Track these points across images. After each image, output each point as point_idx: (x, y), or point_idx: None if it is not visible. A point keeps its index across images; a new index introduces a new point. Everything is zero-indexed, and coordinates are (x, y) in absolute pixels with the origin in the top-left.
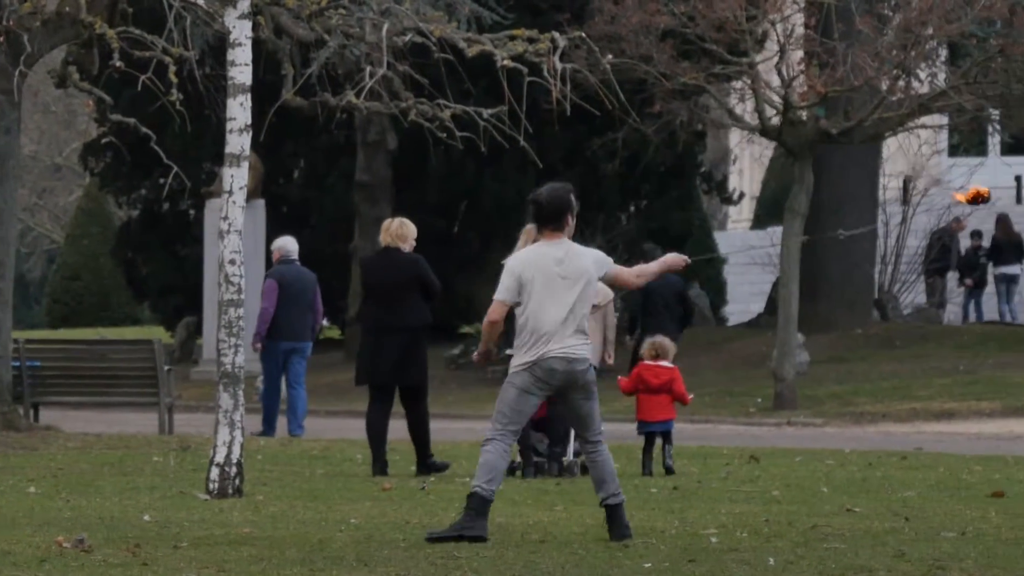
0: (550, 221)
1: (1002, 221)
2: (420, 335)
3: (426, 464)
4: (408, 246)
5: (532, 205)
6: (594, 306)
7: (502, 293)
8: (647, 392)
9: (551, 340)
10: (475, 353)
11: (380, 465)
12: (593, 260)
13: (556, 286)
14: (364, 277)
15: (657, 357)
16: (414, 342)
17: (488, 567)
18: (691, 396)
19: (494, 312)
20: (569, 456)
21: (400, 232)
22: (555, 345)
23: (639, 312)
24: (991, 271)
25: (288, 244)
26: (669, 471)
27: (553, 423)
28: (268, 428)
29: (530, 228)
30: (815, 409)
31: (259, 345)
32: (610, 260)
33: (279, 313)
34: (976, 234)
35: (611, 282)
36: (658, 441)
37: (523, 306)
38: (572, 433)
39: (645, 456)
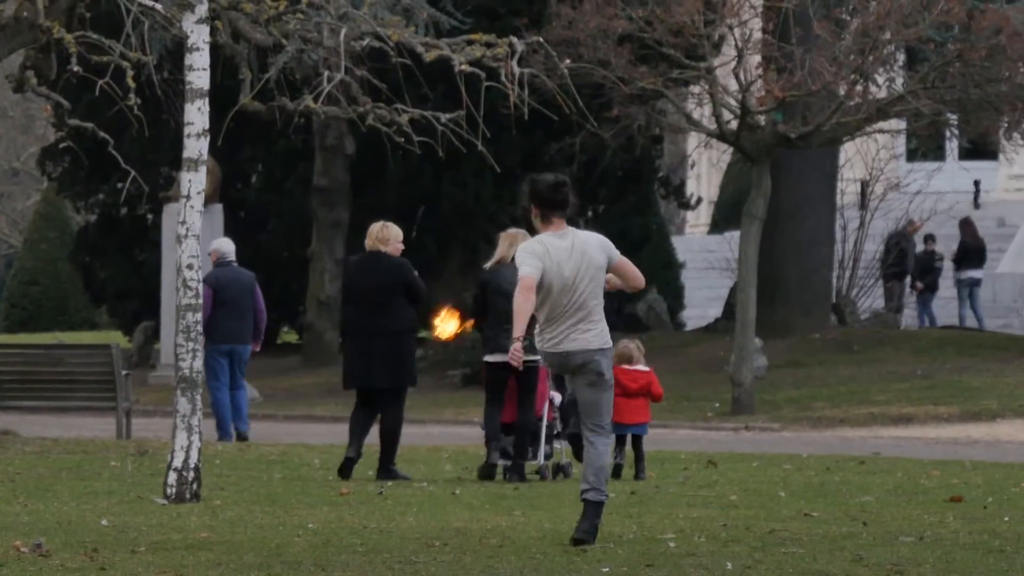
0: (560, 206)
1: (968, 225)
2: (406, 339)
3: (388, 470)
4: (392, 249)
5: (546, 188)
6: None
7: (530, 268)
8: (624, 396)
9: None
10: (512, 349)
11: (351, 451)
12: (598, 245)
13: (566, 278)
14: (348, 280)
15: (629, 361)
16: (400, 346)
17: (446, 572)
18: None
19: (528, 282)
20: (540, 460)
21: (383, 235)
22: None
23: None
24: (953, 275)
25: (224, 246)
26: (640, 475)
27: (518, 432)
28: (224, 435)
29: (512, 232)
30: (773, 414)
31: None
32: (611, 245)
33: (217, 316)
34: (930, 238)
35: (614, 271)
36: (629, 445)
37: (542, 297)
38: (542, 438)
39: (617, 449)
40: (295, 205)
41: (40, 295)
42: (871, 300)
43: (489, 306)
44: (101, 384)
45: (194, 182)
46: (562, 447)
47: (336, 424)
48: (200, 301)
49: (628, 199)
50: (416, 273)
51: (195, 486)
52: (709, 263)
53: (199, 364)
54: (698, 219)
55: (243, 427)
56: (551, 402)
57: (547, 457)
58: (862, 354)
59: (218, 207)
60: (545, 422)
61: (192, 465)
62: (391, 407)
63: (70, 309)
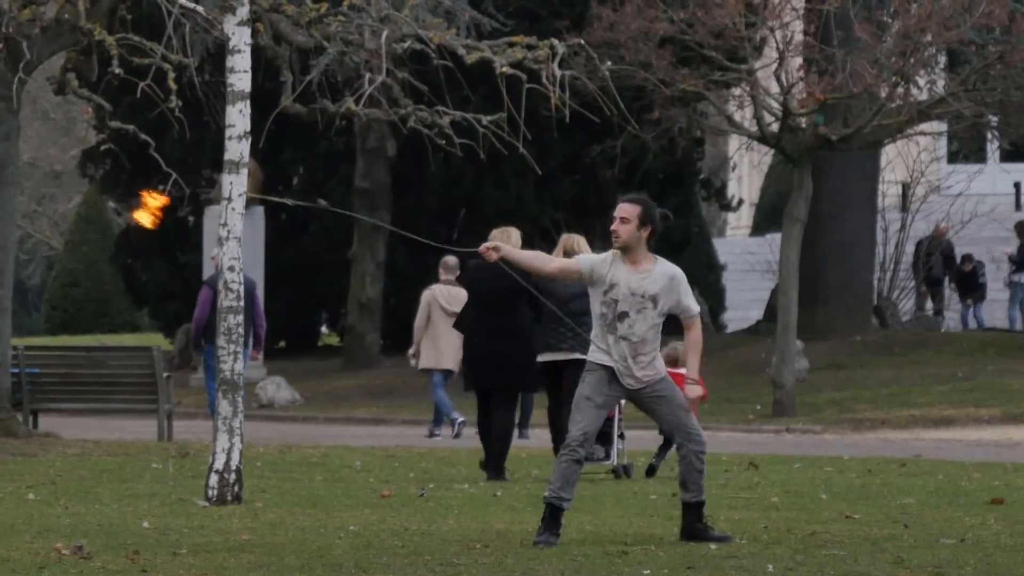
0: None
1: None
2: (528, 341)
3: (500, 469)
4: None
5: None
6: (455, 313)
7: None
8: None
9: None
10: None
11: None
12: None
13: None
14: (471, 284)
15: (675, 363)
16: (525, 349)
17: (487, 574)
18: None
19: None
20: (613, 460)
21: (517, 243)
22: None
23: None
24: (1009, 276)
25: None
26: (651, 471)
27: (557, 429)
28: None
29: (567, 237)
30: (814, 416)
31: (195, 353)
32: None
33: (215, 319)
34: (967, 258)
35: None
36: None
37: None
38: (614, 438)
39: (658, 458)
40: (336, 207)
41: (81, 297)
42: (912, 302)
43: (541, 308)
44: (142, 386)
45: (235, 184)
46: (623, 447)
47: (377, 427)
48: (241, 303)
49: (669, 201)
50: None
51: (236, 488)
52: (750, 265)
53: (240, 366)
54: (739, 221)
55: None
56: (620, 403)
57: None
58: (903, 356)
59: (259, 209)
60: (616, 422)
61: (233, 467)
62: (504, 409)
63: (111, 311)
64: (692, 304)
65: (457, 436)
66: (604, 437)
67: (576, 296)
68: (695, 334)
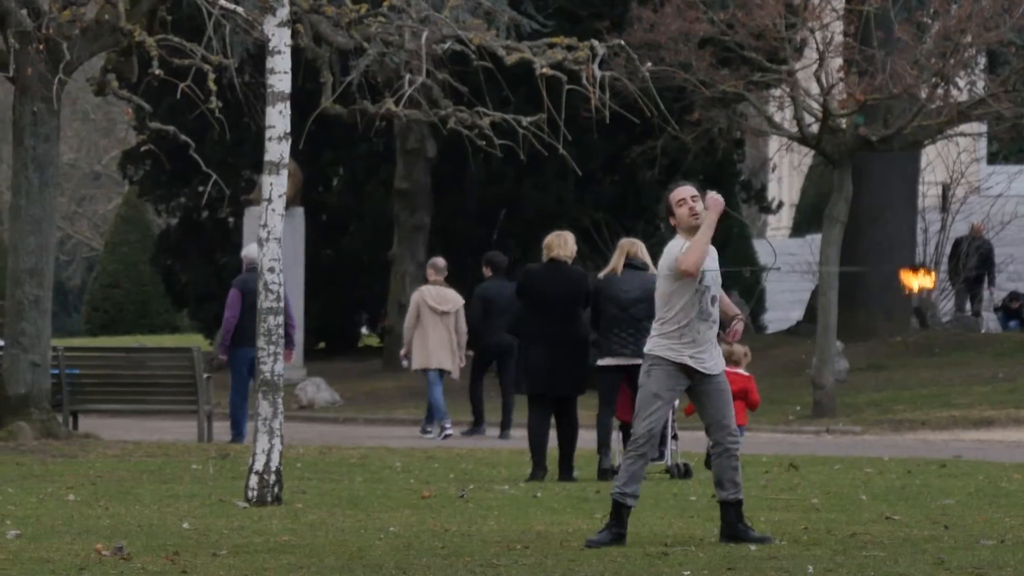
0: None
1: None
2: (585, 347)
3: (569, 468)
4: (572, 258)
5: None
6: (444, 312)
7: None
8: None
9: None
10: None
11: (540, 472)
12: None
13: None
14: (531, 288)
15: (729, 361)
16: (583, 353)
17: (527, 575)
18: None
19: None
20: (667, 460)
21: (574, 248)
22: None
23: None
24: None
25: (252, 252)
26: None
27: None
28: (237, 435)
29: (626, 242)
30: (854, 417)
31: (223, 357)
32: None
33: (244, 321)
34: (1015, 296)
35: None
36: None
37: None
38: (669, 438)
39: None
40: (376, 209)
41: (121, 298)
42: (952, 303)
43: (601, 313)
44: (182, 387)
45: (275, 185)
46: (677, 448)
47: (417, 427)
48: (281, 304)
49: None
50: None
51: (276, 489)
52: (790, 266)
53: (281, 367)
54: (779, 222)
55: None
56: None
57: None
58: (943, 357)
59: (299, 210)
60: (670, 422)
61: (273, 468)
62: (569, 412)
63: (151, 312)
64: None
65: (445, 438)
66: (660, 438)
67: (637, 301)
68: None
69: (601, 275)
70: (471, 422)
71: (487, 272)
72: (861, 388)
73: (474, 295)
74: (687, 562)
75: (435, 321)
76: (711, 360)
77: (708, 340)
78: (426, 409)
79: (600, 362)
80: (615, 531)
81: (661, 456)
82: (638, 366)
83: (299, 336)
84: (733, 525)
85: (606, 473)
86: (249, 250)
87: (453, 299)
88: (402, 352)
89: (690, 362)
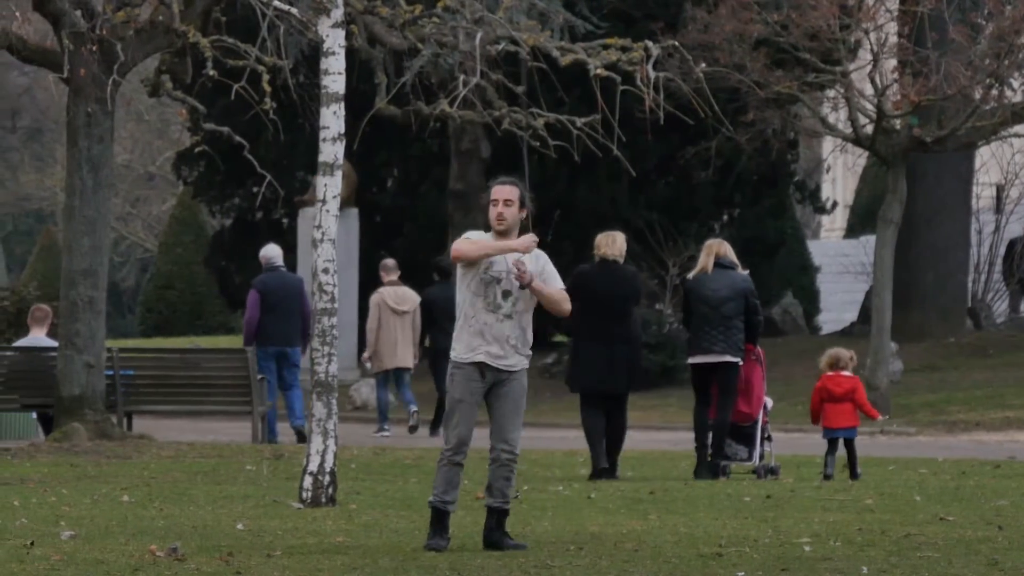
0: None
1: None
2: (638, 345)
3: (612, 466)
4: (623, 258)
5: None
6: (403, 312)
7: None
8: (831, 401)
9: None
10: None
11: (601, 467)
12: None
13: None
14: (584, 288)
15: (834, 367)
16: (636, 352)
17: (581, 575)
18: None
19: None
20: (755, 461)
21: (623, 247)
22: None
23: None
24: None
25: (270, 252)
26: (854, 476)
27: (715, 431)
28: (270, 434)
29: (712, 243)
30: (908, 418)
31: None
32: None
33: (265, 320)
34: None
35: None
36: (842, 448)
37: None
38: (762, 438)
39: (827, 458)
40: (431, 209)
41: (176, 299)
42: (1006, 304)
43: (693, 312)
44: (236, 388)
45: (330, 186)
46: (771, 449)
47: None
48: (336, 305)
49: (764, 203)
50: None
51: (331, 490)
52: (844, 267)
53: (335, 368)
54: (834, 223)
55: (298, 422)
56: (765, 406)
57: (760, 458)
58: (998, 358)
59: (354, 211)
60: (760, 424)
61: (328, 469)
62: (619, 410)
63: (205, 313)
64: (559, 282)
65: (381, 432)
66: (747, 439)
67: (727, 299)
68: (562, 297)
69: (690, 275)
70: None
71: (436, 277)
72: (915, 389)
73: (421, 300)
74: (741, 563)
75: (396, 321)
76: (507, 359)
77: (502, 336)
78: (379, 408)
79: (691, 359)
80: (443, 537)
81: (749, 457)
82: (728, 363)
83: (352, 337)
84: (492, 531)
85: (715, 469)
86: (267, 250)
87: (411, 298)
88: (365, 355)
89: (483, 357)
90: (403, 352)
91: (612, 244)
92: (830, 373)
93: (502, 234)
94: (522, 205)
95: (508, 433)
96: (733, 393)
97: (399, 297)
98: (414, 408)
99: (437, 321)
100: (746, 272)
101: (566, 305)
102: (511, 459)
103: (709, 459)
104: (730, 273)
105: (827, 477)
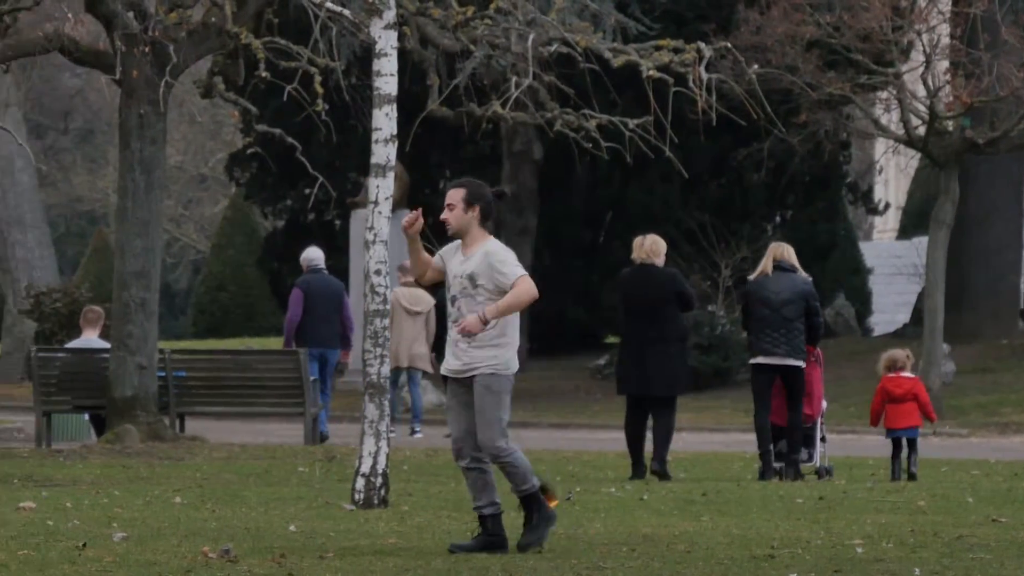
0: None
1: None
2: (679, 347)
3: (662, 462)
4: (661, 261)
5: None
6: (417, 313)
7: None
8: (892, 402)
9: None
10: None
11: (639, 471)
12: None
13: None
14: (624, 293)
15: (893, 368)
16: (673, 354)
17: None
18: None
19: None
20: (816, 461)
21: (654, 248)
22: None
23: None
24: None
25: (313, 254)
26: (912, 477)
27: (792, 431)
28: (323, 427)
29: (775, 246)
30: (960, 419)
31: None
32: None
33: (305, 321)
34: None
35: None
36: (904, 448)
37: None
38: (818, 439)
39: (893, 462)
40: None
41: (228, 301)
42: None
43: (752, 314)
44: (288, 389)
45: (382, 188)
46: (825, 450)
47: (524, 430)
48: (387, 307)
49: (816, 205)
50: (686, 282)
51: (383, 492)
52: (897, 269)
53: (387, 370)
54: (886, 225)
55: (322, 428)
56: (822, 407)
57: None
58: None
59: (406, 213)
60: (819, 425)
61: (380, 471)
62: (664, 413)
63: (257, 315)
64: (509, 272)
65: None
66: (806, 439)
67: (788, 302)
68: (517, 289)
69: (751, 277)
70: None
71: None
72: (967, 391)
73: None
74: (793, 564)
75: (410, 322)
76: (460, 363)
77: (452, 340)
78: (414, 409)
79: (752, 361)
80: (477, 539)
81: (810, 458)
82: (790, 366)
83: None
84: (526, 521)
85: (796, 467)
86: (309, 252)
87: (426, 300)
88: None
89: (444, 371)
90: (416, 352)
91: (641, 247)
92: (890, 375)
93: (455, 237)
94: (470, 204)
95: (478, 438)
96: (801, 393)
97: (413, 298)
98: (418, 429)
99: None
100: (807, 275)
101: (527, 297)
102: (494, 459)
103: (788, 457)
104: (791, 276)
105: (899, 477)
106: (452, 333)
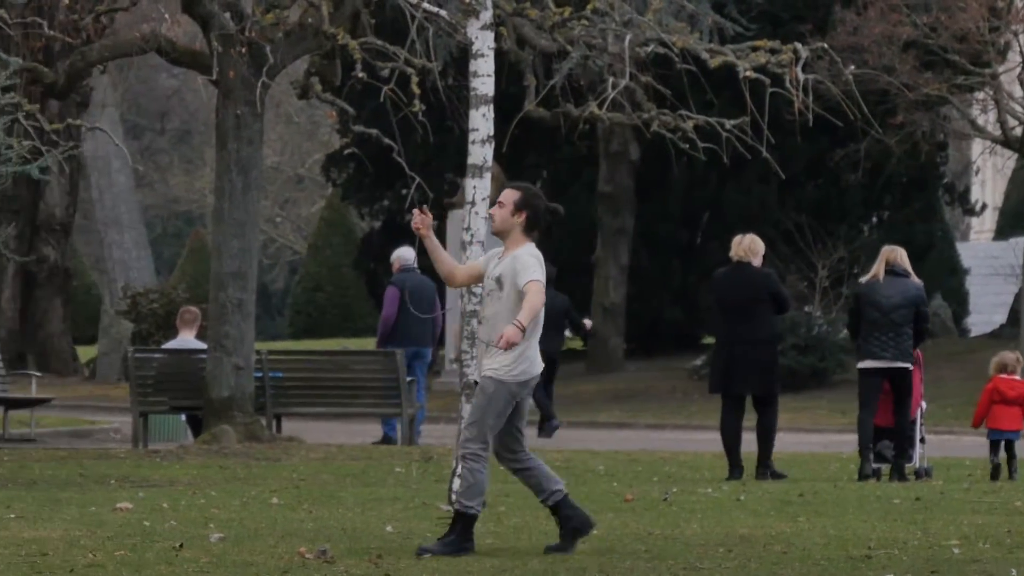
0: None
1: None
2: (773, 346)
3: (765, 465)
4: (758, 261)
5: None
6: None
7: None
8: (1002, 403)
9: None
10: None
11: (737, 471)
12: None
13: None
14: (718, 292)
15: (1005, 369)
16: (768, 353)
17: None
18: None
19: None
20: (915, 462)
21: (752, 247)
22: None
23: None
24: None
25: (406, 253)
26: (1013, 477)
27: (897, 433)
28: (391, 431)
29: (887, 249)
30: None
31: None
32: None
33: (400, 319)
34: None
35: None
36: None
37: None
38: (917, 440)
39: (993, 458)
40: (580, 211)
41: (325, 301)
42: None
43: (862, 317)
44: (386, 390)
45: (479, 188)
46: (924, 451)
47: (620, 431)
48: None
49: (913, 205)
50: (781, 283)
51: None
52: (994, 269)
53: None
54: (983, 225)
55: (389, 431)
56: (921, 408)
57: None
58: None
59: None
60: (918, 425)
61: None
62: (766, 411)
63: (354, 315)
64: (526, 276)
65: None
66: (908, 440)
67: (898, 307)
68: (529, 294)
69: (863, 280)
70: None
71: None
72: None
73: None
74: (890, 565)
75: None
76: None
77: (482, 343)
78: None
79: (860, 364)
80: (462, 544)
81: (910, 459)
82: (899, 369)
83: None
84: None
85: (901, 471)
86: (402, 251)
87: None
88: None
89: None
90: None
91: (739, 244)
92: (1003, 376)
93: (496, 235)
94: (519, 208)
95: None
96: (909, 397)
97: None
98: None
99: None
100: (919, 280)
101: (536, 301)
102: (461, 456)
103: (894, 460)
104: (903, 280)
105: (998, 475)
106: (481, 334)
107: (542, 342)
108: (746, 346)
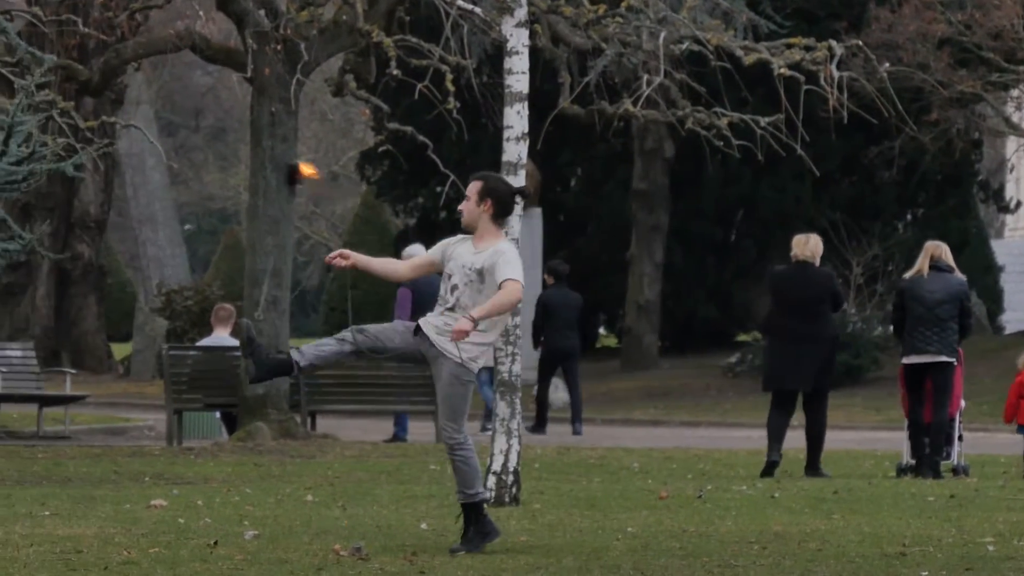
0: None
1: None
2: (832, 345)
3: (815, 467)
4: (818, 262)
5: (508, 194)
6: None
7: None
8: None
9: None
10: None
11: (770, 468)
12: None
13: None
14: (778, 289)
15: None
16: (827, 351)
17: (765, 575)
18: None
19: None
20: (953, 460)
21: (817, 248)
22: None
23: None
24: None
25: (416, 251)
26: None
27: (933, 430)
28: (402, 431)
29: (931, 244)
30: None
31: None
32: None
33: (415, 320)
34: None
35: None
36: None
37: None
38: (955, 437)
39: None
40: (614, 209)
41: (359, 299)
42: None
43: (907, 312)
44: (420, 388)
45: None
46: (961, 448)
47: (655, 428)
48: (519, 305)
49: (947, 203)
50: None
51: (514, 490)
52: None
53: (518, 368)
54: (1017, 223)
55: (400, 432)
56: (961, 406)
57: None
58: None
59: (537, 211)
60: (957, 423)
61: (511, 469)
62: (816, 409)
63: (388, 313)
64: (507, 272)
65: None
66: (947, 438)
67: (942, 302)
68: (503, 291)
69: (907, 275)
70: (534, 422)
71: (549, 280)
72: None
73: (537, 302)
74: (925, 562)
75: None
76: (433, 333)
77: (440, 325)
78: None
79: (905, 360)
80: (485, 533)
81: (948, 456)
82: (941, 363)
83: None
84: (467, 528)
85: (936, 467)
86: (412, 249)
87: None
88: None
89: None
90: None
91: (805, 245)
92: None
93: (466, 229)
94: (483, 197)
95: (439, 424)
96: (948, 392)
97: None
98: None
99: (555, 323)
100: (962, 275)
101: (509, 299)
102: (449, 450)
103: (929, 457)
104: (946, 276)
105: None
106: (443, 318)
107: (556, 340)
108: (809, 344)
